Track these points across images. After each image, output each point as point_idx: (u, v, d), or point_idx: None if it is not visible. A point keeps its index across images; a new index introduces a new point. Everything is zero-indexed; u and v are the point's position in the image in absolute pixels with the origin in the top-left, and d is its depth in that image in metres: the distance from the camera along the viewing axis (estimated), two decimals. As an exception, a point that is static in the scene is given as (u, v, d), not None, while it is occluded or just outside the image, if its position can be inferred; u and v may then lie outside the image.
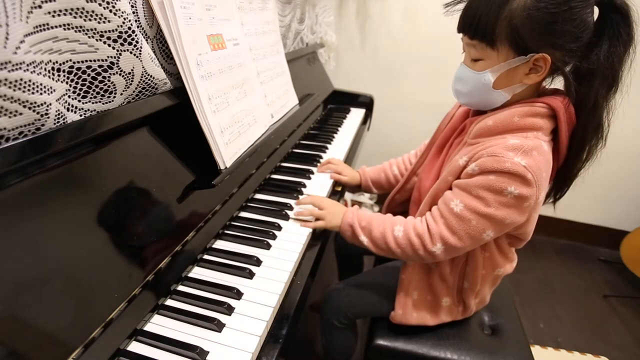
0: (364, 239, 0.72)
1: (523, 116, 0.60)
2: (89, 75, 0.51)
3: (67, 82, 0.49)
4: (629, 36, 0.55)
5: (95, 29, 0.49)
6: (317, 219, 0.77)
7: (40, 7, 0.43)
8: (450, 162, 0.68)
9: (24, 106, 0.41)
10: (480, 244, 0.66)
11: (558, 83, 0.64)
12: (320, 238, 0.77)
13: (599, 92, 0.58)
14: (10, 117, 0.40)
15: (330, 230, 0.80)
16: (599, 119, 0.60)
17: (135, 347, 0.49)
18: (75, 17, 0.47)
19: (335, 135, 1.25)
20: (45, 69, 0.44)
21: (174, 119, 0.65)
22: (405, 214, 0.77)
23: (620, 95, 0.59)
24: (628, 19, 0.55)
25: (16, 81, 0.39)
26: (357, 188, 1.02)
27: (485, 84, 0.62)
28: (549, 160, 0.60)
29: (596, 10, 0.57)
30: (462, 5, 0.61)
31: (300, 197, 0.85)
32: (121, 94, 0.55)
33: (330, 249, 1.00)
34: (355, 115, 1.48)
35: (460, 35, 0.63)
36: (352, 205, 1.50)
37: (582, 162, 0.63)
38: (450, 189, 0.66)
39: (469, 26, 0.60)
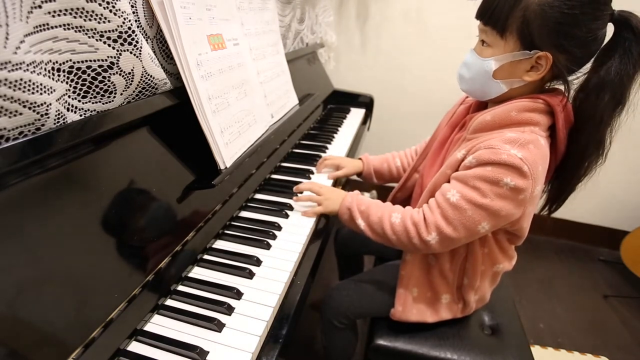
0: (360, 222, 0.73)
1: (520, 111, 0.62)
2: (89, 75, 0.51)
3: (67, 82, 0.49)
4: None
5: (95, 29, 0.49)
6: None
7: (40, 7, 0.43)
8: (449, 157, 0.69)
9: (24, 106, 0.41)
10: (475, 237, 0.67)
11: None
12: (321, 237, 0.77)
13: (606, 108, 0.58)
14: (10, 117, 0.40)
15: (330, 230, 0.80)
16: (601, 135, 0.61)
17: (135, 347, 0.49)
18: (75, 17, 0.47)
19: (335, 135, 1.25)
20: (45, 69, 0.44)
21: (174, 119, 0.65)
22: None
23: (626, 114, 0.59)
24: None
25: (16, 81, 0.39)
26: (358, 176, 1.02)
27: (487, 72, 0.63)
28: (545, 155, 0.61)
29: (612, 27, 0.58)
30: None
31: (296, 187, 0.86)
32: (121, 94, 0.55)
33: (330, 249, 1.00)
34: (355, 115, 1.48)
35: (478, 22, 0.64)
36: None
37: (580, 177, 0.65)
38: (449, 181, 0.66)
39: (485, 12, 0.61)
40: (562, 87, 0.63)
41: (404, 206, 0.75)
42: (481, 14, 0.62)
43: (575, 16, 0.54)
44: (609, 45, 0.58)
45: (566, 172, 0.65)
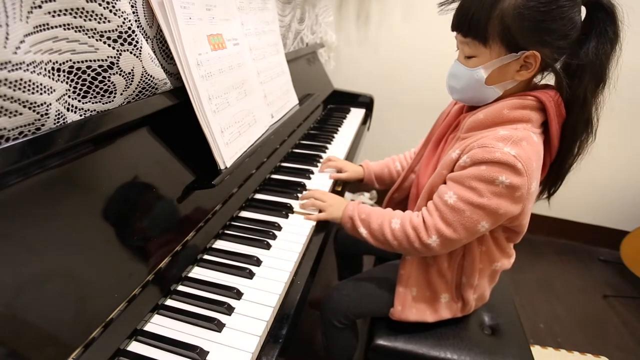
0: (362, 230, 0.73)
1: (512, 109, 0.62)
2: (89, 75, 0.51)
3: (67, 82, 0.49)
4: (615, 34, 0.57)
5: (95, 29, 0.49)
6: (319, 212, 0.79)
7: (40, 7, 0.43)
8: (444, 157, 0.69)
9: (24, 106, 0.41)
10: (475, 236, 0.67)
11: (551, 80, 0.65)
12: (321, 237, 0.77)
13: (589, 88, 0.60)
14: (10, 117, 0.40)
15: (330, 230, 0.80)
16: (588, 113, 0.62)
17: (135, 347, 0.49)
18: (75, 17, 0.47)
19: (335, 135, 1.25)
20: (45, 69, 0.44)
21: (174, 119, 0.65)
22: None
23: (609, 91, 0.61)
24: (613, 17, 0.57)
25: (16, 81, 0.39)
26: (359, 182, 1.02)
27: (478, 80, 0.63)
28: (538, 151, 0.62)
29: (583, 9, 0.59)
30: (455, 5, 0.63)
31: (301, 195, 0.85)
32: (121, 94, 0.55)
33: (330, 249, 1.00)
34: (355, 115, 1.48)
35: (454, 33, 0.64)
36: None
37: (573, 156, 0.65)
38: (445, 182, 0.67)
39: (462, 24, 0.61)
40: (552, 82, 0.64)
41: (401, 207, 0.75)
42: (458, 27, 0.63)
43: (552, 12, 0.55)
44: (583, 28, 0.59)
45: (560, 155, 0.66)
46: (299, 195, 0.86)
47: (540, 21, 0.56)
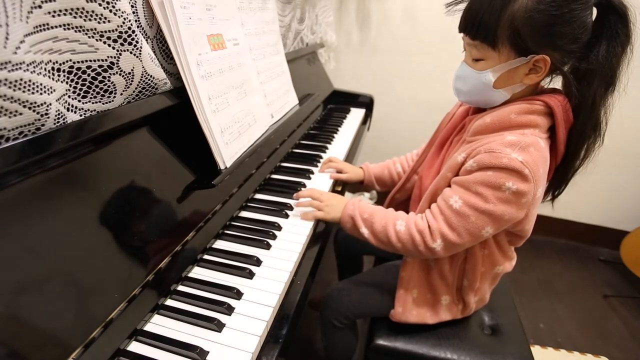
0: (364, 230, 0.72)
1: (520, 113, 0.61)
2: (89, 75, 0.51)
3: (67, 82, 0.49)
4: (627, 36, 0.56)
5: (95, 29, 0.49)
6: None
7: (40, 7, 0.43)
8: (449, 159, 0.68)
9: (24, 106, 0.41)
10: (479, 241, 0.66)
11: (558, 83, 0.65)
12: (321, 237, 0.77)
13: (598, 92, 0.59)
14: (10, 117, 0.40)
15: (329, 230, 0.80)
16: (596, 117, 0.61)
17: (135, 347, 0.49)
18: (75, 17, 0.47)
19: (335, 135, 1.25)
20: (45, 69, 0.44)
21: (174, 119, 0.65)
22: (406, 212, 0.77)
23: (618, 94, 0.60)
24: (626, 19, 0.56)
25: (16, 81, 0.39)
26: (360, 184, 1.02)
27: (486, 84, 0.62)
28: (545, 157, 0.61)
29: (594, 11, 0.58)
30: (463, 5, 0.62)
31: (296, 194, 0.85)
32: (121, 94, 0.55)
33: (330, 249, 1.00)
34: (355, 115, 1.48)
35: (461, 34, 0.63)
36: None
37: (580, 160, 0.65)
38: (449, 186, 0.66)
39: (470, 27, 0.60)
40: (560, 87, 0.63)
41: (402, 208, 0.74)
42: (465, 29, 0.61)
43: (563, 15, 0.54)
44: (594, 29, 0.58)
45: (567, 157, 0.65)
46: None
47: (552, 25, 0.54)
